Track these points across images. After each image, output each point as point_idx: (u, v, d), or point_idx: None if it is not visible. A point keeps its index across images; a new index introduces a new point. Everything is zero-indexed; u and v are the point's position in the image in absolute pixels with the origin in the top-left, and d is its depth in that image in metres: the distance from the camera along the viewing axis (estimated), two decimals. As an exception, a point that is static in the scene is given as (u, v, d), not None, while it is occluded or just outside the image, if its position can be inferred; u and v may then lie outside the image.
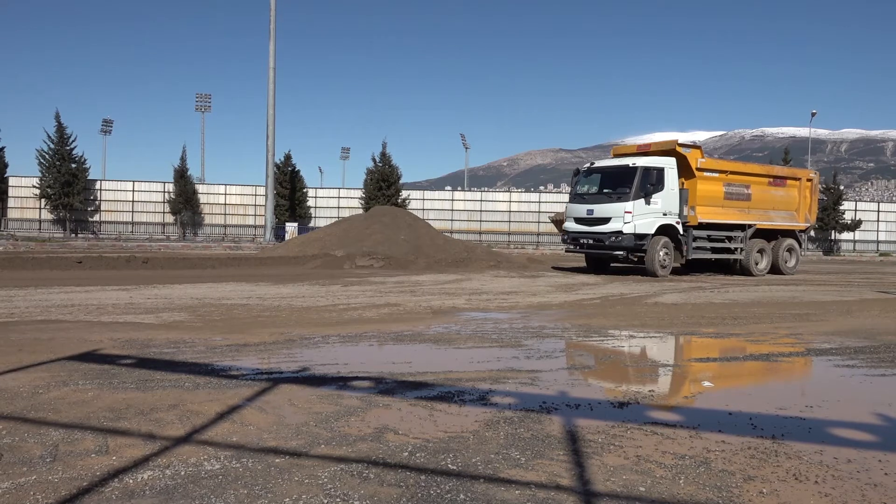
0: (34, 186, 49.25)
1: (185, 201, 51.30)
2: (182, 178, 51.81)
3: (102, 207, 52.11)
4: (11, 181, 50.33)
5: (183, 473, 2.91)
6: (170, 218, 52.55)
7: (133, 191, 52.90)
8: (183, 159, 52.42)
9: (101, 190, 52.24)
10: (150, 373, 4.93)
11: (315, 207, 54.63)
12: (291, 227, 45.58)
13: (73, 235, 46.80)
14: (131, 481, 2.81)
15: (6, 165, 49.87)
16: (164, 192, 52.55)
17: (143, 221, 52.54)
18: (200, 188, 53.81)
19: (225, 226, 53.64)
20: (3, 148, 49.76)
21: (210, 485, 2.79)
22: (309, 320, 8.09)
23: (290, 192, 52.31)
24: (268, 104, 40.71)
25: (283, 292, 11.45)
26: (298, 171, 54.24)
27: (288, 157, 53.55)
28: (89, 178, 51.23)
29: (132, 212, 52.62)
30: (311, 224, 51.01)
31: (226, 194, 54.17)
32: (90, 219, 51.61)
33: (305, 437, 3.46)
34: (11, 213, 50.75)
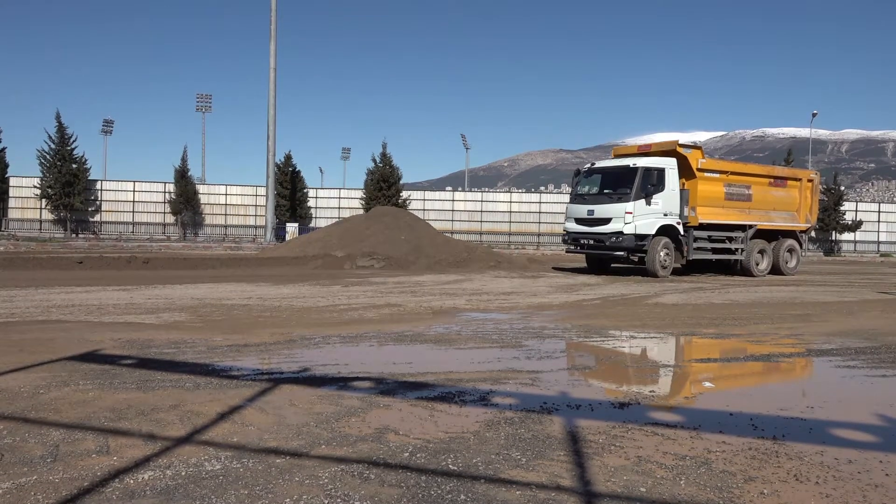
0: (35, 187, 49.22)
1: (185, 201, 51.27)
2: (183, 179, 51.78)
3: (103, 208, 52.05)
4: (12, 181, 50.30)
5: (184, 474, 2.91)
6: (170, 218, 52.52)
7: (134, 191, 52.86)
8: (184, 160, 52.40)
9: (101, 190, 52.19)
10: (150, 373, 4.93)
11: (316, 208, 54.58)
12: (292, 228, 45.57)
13: (74, 235, 46.79)
14: (132, 481, 2.81)
15: (7, 166, 49.84)
16: (165, 192, 52.51)
17: (143, 222, 52.51)
18: (201, 188, 53.78)
19: (226, 226, 53.62)
20: (3, 149, 49.73)
21: (211, 485, 2.79)
22: (309, 321, 8.08)
23: (290, 193, 52.27)
24: (268, 104, 40.70)
25: (284, 293, 11.45)
26: (299, 171, 54.21)
27: (288, 158, 53.53)
28: (90, 178, 51.17)
29: (133, 212, 52.59)
30: (312, 224, 50.97)
31: (226, 195, 54.14)
32: (91, 219, 51.59)
33: (306, 438, 3.46)
34: (12, 214, 50.73)
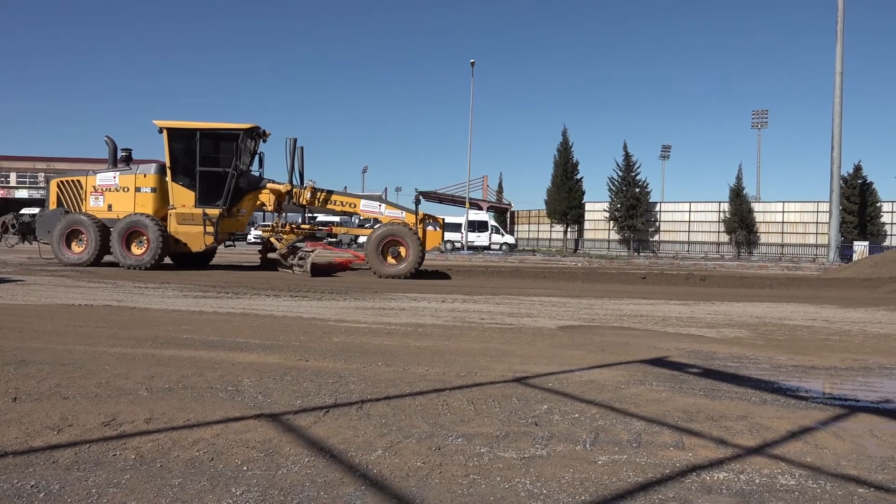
0: (604, 210, 55.70)
1: (740, 220, 50.91)
2: (737, 197, 51.59)
3: (661, 228, 55.56)
4: (587, 206, 57.91)
5: (757, 482, 2.96)
6: (724, 237, 52.81)
7: (689, 211, 54.97)
8: (738, 178, 52.31)
9: (660, 212, 55.85)
10: (715, 383, 5.11)
11: (892, 224, 47.68)
12: (860, 247, 40.67)
13: (636, 254, 51.13)
14: (708, 478, 2.99)
15: (583, 193, 57.61)
16: (720, 211, 53.11)
17: (698, 241, 54.07)
18: (756, 206, 52.67)
19: (782, 245, 51.18)
20: (580, 178, 57.53)
21: (787, 498, 2.77)
22: (889, 349, 7.16)
23: (858, 208, 46.94)
24: (833, 112, 37.38)
25: (854, 317, 10.36)
26: (870, 183, 48.35)
27: (857, 169, 48.29)
28: (650, 201, 55.37)
29: (688, 231, 54.68)
30: (887, 243, 44.66)
31: (783, 212, 51.71)
32: (650, 238, 55.63)
33: (894, 473, 3.12)
34: (586, 234, 58.38)
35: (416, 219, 16.70)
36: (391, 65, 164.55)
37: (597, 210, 57.23)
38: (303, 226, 17.52)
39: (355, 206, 17.44)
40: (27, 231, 17.48)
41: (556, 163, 56.10)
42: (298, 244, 17.10)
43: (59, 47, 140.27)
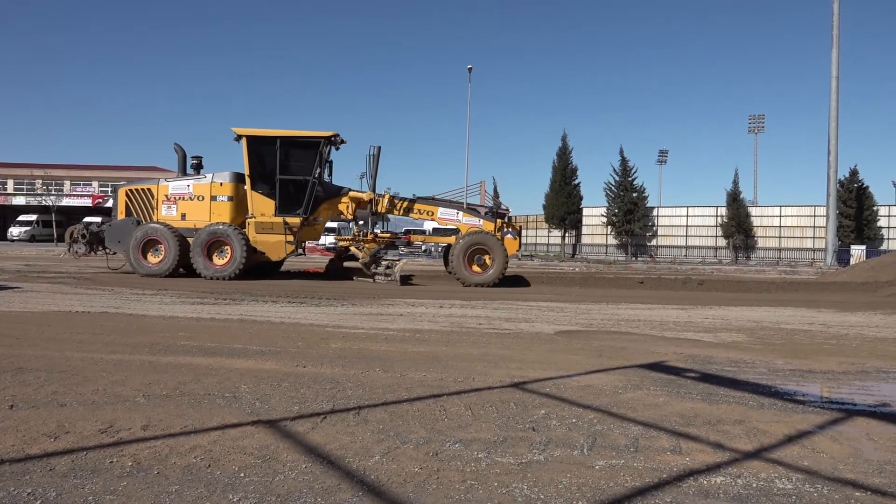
0: (602, 215, 55.72)
1: (737, 225, 50.94)
2: (734, 202, 51.64)
3: (659, 232, 55.57)
4: (585, 211, 57.91)
5: (754, 486, 2.96)
6: (722, 242, 52.83)
7: (687, 216, 54.99)
8: (735, 182, 52.32)
9: (657, 216, 55.86)
10: (713, 387, 5.11)
11: (888, 228, 47.74)
12: (857, 251, 40.75)
13: (634, 258, 51.15)
14: (705, 482, 3.00)
15: (581, 198, 57.60)
16: (717, 216, 53.16)
17: (695, 245, 54.08)
18: (753, 211, 52.69)
19: (779, 249, 51.20)
20: (578, 183, 57.51)
21: (784, 502, 2.78)
22: (885, 352, 7.17)
23: (855, 212, 46.99)
24: (829, 116, 37.49)
25: (851, 320, 10.38)
26: (867, 187, 48.35)
27: (854, 173, 48.32)
28: (647, 205, 55.41)
29: (686, 236, 54.69)
30: (884, 247, 44.74)
31: (780, 216, 51.74)
32: (648, 243, 55.64)
33: (890, 477, 3.12)
34: (584, 240, 58.38)
35: (495, 226, 16.72)
36: (388, 69, 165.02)
37: (594, 215, 57.21)
38: (382, 235, 17.47)
39: (433, 213, 17.41)
40: (96, 241, 16.92)
41: (554, 168, 56.07)
42: (380, 253, 17.01)
43: (58, 49, 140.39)
